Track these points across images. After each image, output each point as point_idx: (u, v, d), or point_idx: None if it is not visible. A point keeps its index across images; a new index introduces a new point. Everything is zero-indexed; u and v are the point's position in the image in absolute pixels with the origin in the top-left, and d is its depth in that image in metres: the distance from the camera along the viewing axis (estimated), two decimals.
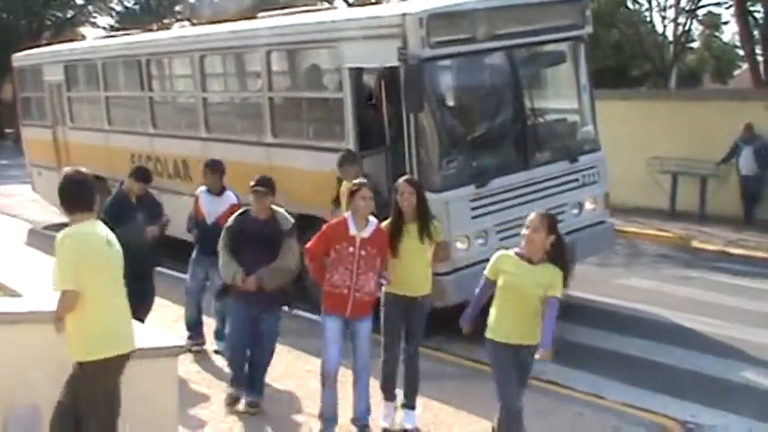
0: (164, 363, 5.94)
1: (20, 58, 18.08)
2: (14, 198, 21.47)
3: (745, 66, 32.75)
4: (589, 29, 10.39)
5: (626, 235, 13.79)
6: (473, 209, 9.27)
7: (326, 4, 36.66)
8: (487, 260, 9.24)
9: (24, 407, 5.24)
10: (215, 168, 9.11)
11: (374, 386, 7.14)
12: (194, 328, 9.35)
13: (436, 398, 7.78)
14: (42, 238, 16.31)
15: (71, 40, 22.44)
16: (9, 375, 5.41)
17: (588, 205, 10.34)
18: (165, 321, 9.86)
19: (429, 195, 8.95)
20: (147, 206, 8.89)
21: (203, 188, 9.16)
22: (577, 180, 10.20)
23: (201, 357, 9.07)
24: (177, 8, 45.72)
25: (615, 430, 7.09)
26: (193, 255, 9.23)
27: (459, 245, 9.15)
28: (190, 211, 9.26)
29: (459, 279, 9.10)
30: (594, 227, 10.42)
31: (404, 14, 9.12)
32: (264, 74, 11.10)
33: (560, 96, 11.13)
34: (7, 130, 43.71)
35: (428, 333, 9.31)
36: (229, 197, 8.99)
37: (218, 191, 9.02)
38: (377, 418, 7.09)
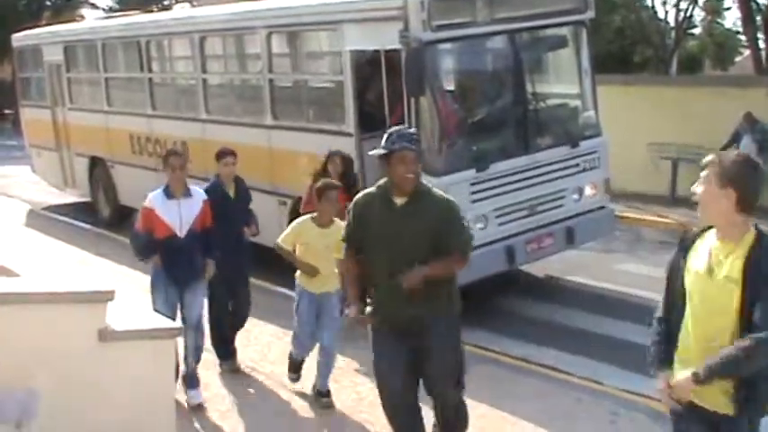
0: (160, 344, 5.91)
1: (19, 39, 18.01)
2: (13, 179, 21.42)
3: (746, 52, 32.66)
4: (591, 13, 10.33)
5: (626, 221, 13.75)
6: (473, 193, 9.24)
7: None
8: (487, 245, 9.39)
9: (20, 389, 5.20)
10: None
11: None
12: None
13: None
14: (41, 218, 16.33)
15: (70, 21, 22.40)
16: (7, 356, 5.38)
17: (588, 190, 10.30)
18: None
19: (429, 179, 8.99)
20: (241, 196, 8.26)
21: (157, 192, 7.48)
22: (578, 165, 10.17)
23: None
24: None
25: (613, 415, 7.09)
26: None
27: None
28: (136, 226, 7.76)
29: None
30: (594, 212, 10.39)
31: None
32: (264, 56, 11.05)
33: (562, 81, 11.09)
34: (6, 111, 43.63)
35: None
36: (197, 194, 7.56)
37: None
38: None
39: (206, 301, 7.91)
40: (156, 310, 6.92)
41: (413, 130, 5.33)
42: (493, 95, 10.20)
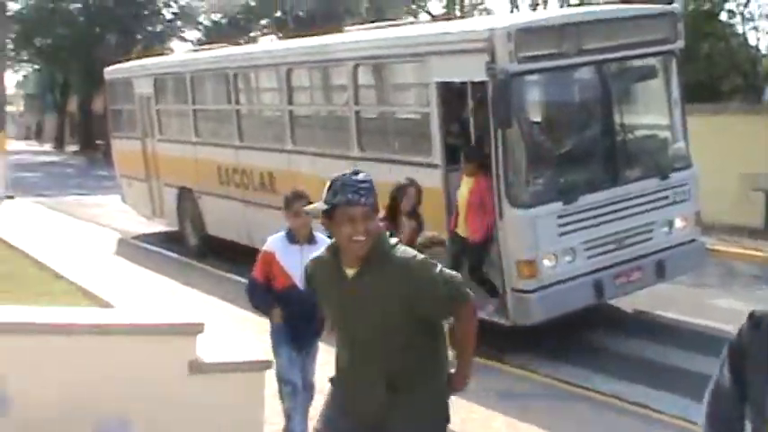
0: (250, 377, 5.94)
1: (112, 72, 18.47)
2: (104, 208, 21.91)
3: None
4: (681, 43, 10.18)
5: (718, 254, 13.44)
6: (560, 225, 9.12)
7: (411, 18, 36.91)
8: (575, 278, 9.26)
9: (113, 419, 5.28)
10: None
11: None
12: None
13: (520, 418, 7.65)
14: (131, 247, 16.62)
15: (160, 54, 22.90)
16: (98, 386, 5.47)
17: (679, 223, 10.10)
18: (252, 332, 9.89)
19: (515, 211, 8.93)
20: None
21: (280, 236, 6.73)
22: (668, 197, 9.98)
23: None
24: (263, 22, 46.27)
25: None
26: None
27: (546, 262, 9.00)
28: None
29: (545, 297, 8.97)
30: (685, 245, 10.17)
31: (492, 29, 9.04)
32: (351, 87, 11.12)
33: (651, 112, 10.91)
34: (98, 142, 44.76)
35: (512, 351, 9.26)
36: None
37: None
38: None
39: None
40: (278, 375, 6.51)
41: (363, 175, 4.08)
42: (581, 127, 10.09)
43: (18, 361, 5.53)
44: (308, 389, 6.69)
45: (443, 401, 4.37)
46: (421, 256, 4.26)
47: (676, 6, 10.52)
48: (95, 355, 5.55)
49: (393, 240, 4.23)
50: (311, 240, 6.47)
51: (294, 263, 6.31)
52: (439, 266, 4.21)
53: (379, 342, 4.15)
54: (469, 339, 4.37)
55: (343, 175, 4.12)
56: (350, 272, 4.15)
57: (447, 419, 4.37)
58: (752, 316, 3.04)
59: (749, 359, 3.05)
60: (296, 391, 6.53)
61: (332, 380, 4.41)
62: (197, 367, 5.72)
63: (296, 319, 6.44)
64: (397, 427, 4.19)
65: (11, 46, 44.90)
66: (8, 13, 40.25)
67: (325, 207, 4.07)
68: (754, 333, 3.01)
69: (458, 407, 7.05)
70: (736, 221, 15.55)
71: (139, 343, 5.41)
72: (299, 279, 6.05)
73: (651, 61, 10.41)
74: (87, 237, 17.68)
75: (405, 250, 4.21)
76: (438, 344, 4.35)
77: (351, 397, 4.30)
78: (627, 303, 10.96)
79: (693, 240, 10.36)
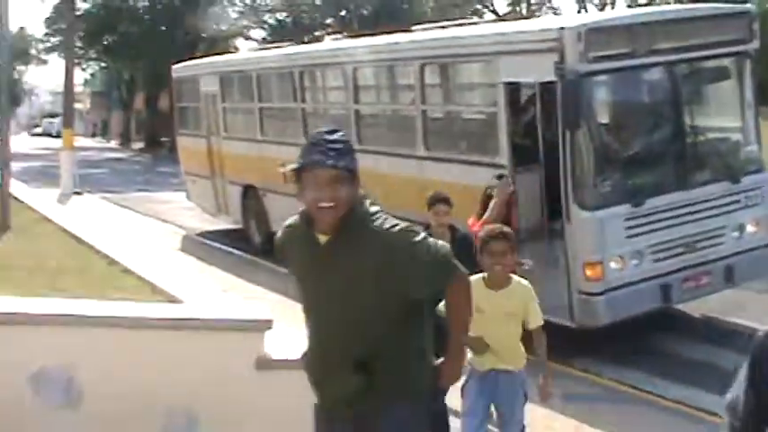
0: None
1: (178, 70, 18.67)
2: (169, 205, 22.18)
3: None
4: (756, 43, 9.98)
5: None
6: (628, 228, 9.01)
7: (476, 18, 36.81)
8: (642, 281, 9.13)
9: (182, 414, 5.32)
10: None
11: None
12: None
13: (583, 420, 7.57)
14: (195, 244, 16.79)
15: (225, 53, 23.12)
16: (167, 381, 5.52)
17: (750, 228, 9.91)
18: None
19: (583, 213, 8.84)
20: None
21: None
22: (739, 201, 9.80)
23: None
24: (328, 21, 46.50)
25: None
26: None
27: (613, 264, 8.90)
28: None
29: (611, 300, 8.87)
30: (756, 250, 9.97)
31: (562, 28, 8.96)
32: (417, 87, 11.11)
33: (723, 114, 10.73)
34: (163, 139, 45.36)
35: (576, 354, 9.16)
36: None
37: None
38: None
39: None
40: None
41: (339, 135, 3.65)
42: (650, 129, 9.95)
43: (89, 354, 5.61)
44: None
45: (423, 394, 3.77)
46: (403, 224, 3.72)
47: (751, 6, 10.31)
48: (165, 349, 5.61)
49: (374, 208, 3.75)
50: None
51: None
52: (423, 235, 3.73)
53: (352, 320, 3.65)
54: (460, 321, 3.84)
55: (317, 132, 3.75)
56: (323, 239, 3.69)
57: (434, 415, 3.85)
58: None
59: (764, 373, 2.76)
60: None
61: (303, 356, 3.92)
62: (264, 363, 5.74)
63: None
64: (368, 419, 3.71)
65: (78, 44, 45.68)
66: (77, 12, 40.94)
67: (295, 167, 3.64)
68: None
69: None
70: None
71: (208, 338, 5.45)
72: None
73: (724, 62, 10.23)
74: (153, 233, 17.91)
75: (386, 219, 3.71)
76: (421, 327, 3.81)
77: (320, 381, 3.83)
78: (694, 308, 10.78)
79: (765, 246, 10.16)
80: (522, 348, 5.67)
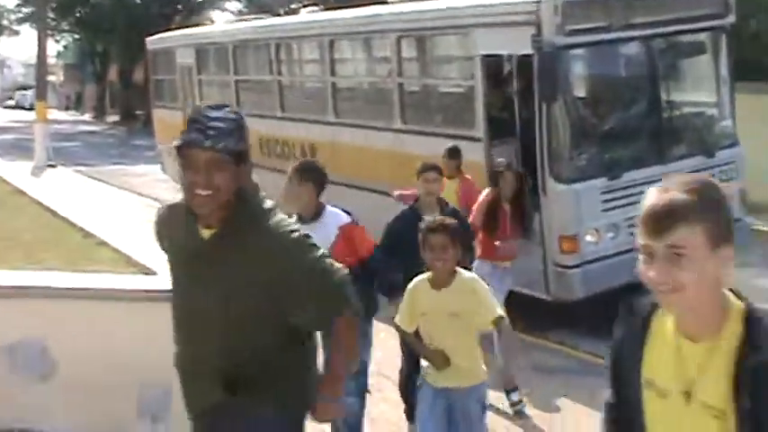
0: None
1: (153, 42, 18.53)
2: (144, 178, 22.05)
3: None
4: (732, 18, 10.00)
5: (762, 234, 13.25)
6: (604, 201, 9.04)
7: None
8: (618, 254, 9.15)
9: (156, 385, 5.29)
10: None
11: None
12: None
13: (559, 393, 7.62)
14: None
15: (200, 25, 22.94)
16: (142, 353, 5.49)
17: None
18: None
19: (559, 186, 8.85)
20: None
21: None
22: (713, 176, 9.84)
23: None
24: None
25: None
26: None
27: (588, 237, 8.93)
28: None
29: (587, 273, 8.90)
30: None
31: (539, 1, 8.92)
32: (394, 59, 11.06)
33: (699, 89, 10.76)
34: (138, 112, 45.02)
35: (552, 327, 9.21)
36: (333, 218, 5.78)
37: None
38: None
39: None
40: None
41: (223, 112, 3.18)
42: (627, 102, 9.97)
43: (63, 326, 5.58)
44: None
45: (293, 412, 3.37)
46: (302, 232, 3.25)
47: None
48: (140, 321, 5.58)
49: (268, 204, 3.28)
50: (315, 216, 5.69)
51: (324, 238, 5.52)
52: (322, 252, 3.25)
53: (226, 329, 3.19)
54: (339, 359, 3.35)
55: (198, 106, 3.34)
56: (205, 233, 3.22)
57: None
58: (624, 304, 2.56)
59: (623, 356, 2.52)
60: None
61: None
62: None
63: None
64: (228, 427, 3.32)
65: (51, 15, 45.16)
66: None
67: (175, 144, 3.20)
68: (627, 320, 2.52)
69: (497, 382, 7.04)
70: None
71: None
72: None
73: (701, 36, 10.25)
74: (128, 206, 17.80)
75: (281, 221, 3.23)
76: (301, 342, 3.36)
77: (184, 382, 3.51)
78: None
79: (738, 220, 10.20)
80: (481, 358, 5.10)
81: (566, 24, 8.77)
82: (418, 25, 10.90)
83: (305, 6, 18.27)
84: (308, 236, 3.27)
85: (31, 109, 40.64)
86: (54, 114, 40.27)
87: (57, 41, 58.74)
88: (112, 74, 55.28)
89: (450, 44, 10.93)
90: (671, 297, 2.21)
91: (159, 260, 7.40)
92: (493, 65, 9.81)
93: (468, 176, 8.76)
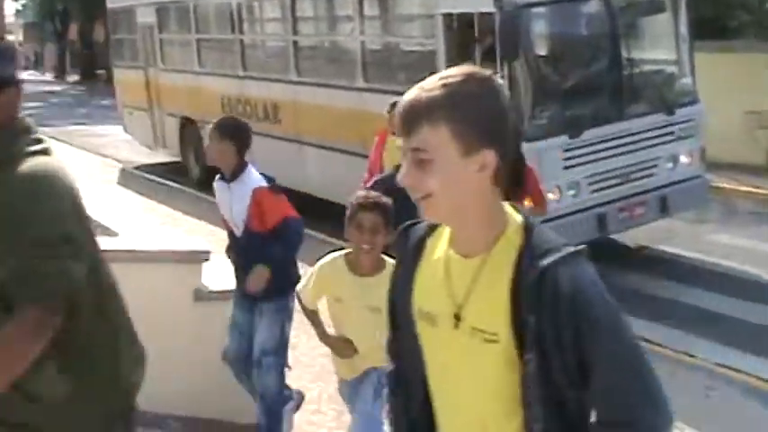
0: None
1: (113, 0, 18.26)
2: (107, 138, 21.86)
3: None
4: None
5: (720, 191, 13.42)
6: (565, 159, 9.12)
7: None
8: (579, 212, 9.26)
9: None
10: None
11: None
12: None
13: None
14: (133, 177, 16.61)
15: None
16: None
17: (684, 159, 10.08)
18: None
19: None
20: None
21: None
22: (673, 133, 9.95)
23: None
24: None
25: (708, 390, 6.94)
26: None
27: (550, 195, 8.99)
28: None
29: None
30: (689, 181, 10.17)
31: None
32: (356, 18, 11.02)
33: (658, 46, 10.83)
34: (99, 71, 44.48)
35: None
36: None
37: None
38: None
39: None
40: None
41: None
42: (587, 61, 10.02)
43: None
44: (254, 364, 5.41)
45: None
46: (63, 175, 2.64)
47: None
48: None
49: (42, 144, 2.72)
50: (235, 177, 5.42)
51: (225, 204, 5.53)
52: (60, 209, 2.58)
53: None
54: (8, 360, 2.51)
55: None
56: None
57: None
58: (400, 230, 2.24)
59: (398, 291, 2.19)
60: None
61: None
62: (202, 295, 5.76)
63: (238, 270, 5.46)
64: None
65: None
66: None
67: None
68: (403, 248, 2.19)
69: None
70: (739, 160, 15.49)
71: (145, 271, 5.43)
72: (233, 224, 5.42)
73: None
74: (90, 167, 17.65)
75: (42, 162, 2.63)
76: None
77: None
78: (629, 238, 10.98)
79: (698, 177, 10.35)
80: None
81: None
82: None
83: None
84: (61, 179, 2.64)
85: None
86: None
87: (15, 0, 57.80)
88: (72, 33, 54.49)
89: (411, 2, 10.92)
90: (425, 205, 1.97)
91: (122, 221, 7.39)
92: (455, 23, 9.80)
93: None
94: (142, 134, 17.57)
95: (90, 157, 19.29)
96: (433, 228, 2.12)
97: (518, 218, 2.03)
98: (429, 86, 1.96)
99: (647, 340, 8.06)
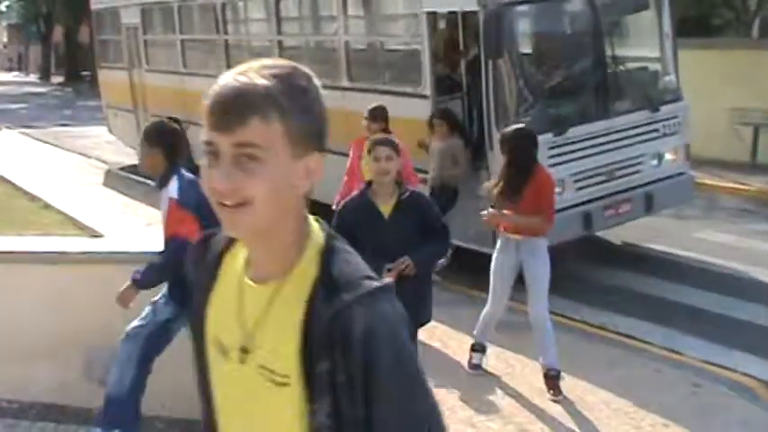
0: None
1: (98, 1, 18.21)
2: (91, 139, 21.78)
3: None
4: None
5: (705, 188, 13.47)
6: (550, 157, 9.10)
7: None
8: (564, 210, 9.25)
9: (104, 348, 5.29)
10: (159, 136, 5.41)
11: None
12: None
13: (508, 347, 7.73)
14: (118, 178, 16.56)
15: None
16: (87, 315, 5.48)
17: (668, 156, 10.11)
18: None
19: None
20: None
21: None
22: (658, 130, 9.98)
23: None
24: None
25: (695, 387, 6.95)
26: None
27: None
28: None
29: None
30: (674, 178, 10.20)
31: None
32: (340, 17, 11.01)
33: (642, 44, 10.85)
34: (84, 72, 44.37)
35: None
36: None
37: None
38: None
39: None
40: None
41: None
42: (572, 59, 10.03)
43: (5, 290, 5.54)
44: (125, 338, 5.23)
45: None
46: None
47: None
48: (84, 283, 5.56)
49: None
50: (163, 183, 5.34)
51: (162, 209, 5.43)
52: None
53: None
54: None
55: None
56: None
57: None
58: (198, 240, 1.97)
59: (194, 310, 1.93)
60: None
61: None
62: None
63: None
64: None
65: None
66: None
67: None
68: (201, 261, 1.91)
69: (441, 333, 7.10)
70: (723, 156, 15.57)
71: (129, 272, 5.41)
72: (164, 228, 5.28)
73: None
74: (75, 168, 17.61)
75: None
76: None
77: None
78: (614, 235, 11.01)
79: (682, 173, 10.38)
80: None
81: None
82: None
83: None
84: None
85: None
86: None
87: None
88: (57, 34, 54.36)
89: (395, 1, 10.91)
90: (237, 215, 1.66)
91: (107, 223, 7.39)
92: (439, 22, 9.81)
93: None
94: (127, 135, 17.50)
95: (75, 158, 19.25)
96: (232, 241, 1.84)
97: (320, 237, 1.76)
98: (254, 75, 1.67)
99: (631, 337, 8.11)
